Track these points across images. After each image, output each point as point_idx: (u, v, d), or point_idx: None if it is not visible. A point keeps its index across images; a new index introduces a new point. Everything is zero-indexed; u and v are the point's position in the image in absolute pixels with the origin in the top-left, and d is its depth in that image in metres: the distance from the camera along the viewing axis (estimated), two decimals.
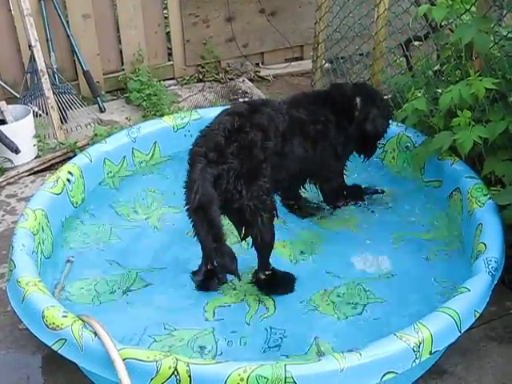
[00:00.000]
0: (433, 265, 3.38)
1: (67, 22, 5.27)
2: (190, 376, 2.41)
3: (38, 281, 2.93)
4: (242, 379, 2.37)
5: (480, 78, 3.28)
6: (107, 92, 5.62)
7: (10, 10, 5.07)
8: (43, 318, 2.71)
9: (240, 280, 3.17)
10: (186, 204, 2.97)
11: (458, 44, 3.40)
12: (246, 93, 5.59)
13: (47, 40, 5.17)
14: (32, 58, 4.90)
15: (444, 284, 3.22)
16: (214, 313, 3.14)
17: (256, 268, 3.27)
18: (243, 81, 5.81)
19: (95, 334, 2.60)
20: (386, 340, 2.55)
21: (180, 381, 2.41)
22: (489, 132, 3.26)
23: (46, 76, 4.85)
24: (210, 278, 3.30)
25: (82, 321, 2.68)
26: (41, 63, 4.83)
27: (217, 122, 3.17)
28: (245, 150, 3.04)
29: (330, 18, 4.96)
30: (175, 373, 2.42)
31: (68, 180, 3.71)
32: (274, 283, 3.26)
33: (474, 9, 3.46)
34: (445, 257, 3.42)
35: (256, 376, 2.38)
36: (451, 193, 3.59)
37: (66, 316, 2.70)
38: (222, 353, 2.91)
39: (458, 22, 3.55)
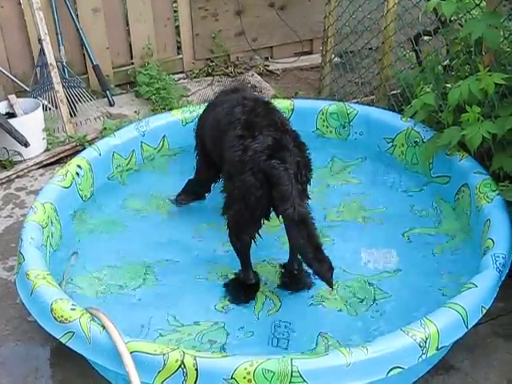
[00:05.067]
0: (441, 260, 3.37)
1: (77, 15, 5.28)
2: (196, 369, 2.43)
3: (46, 274, 2.96)
4: (248, 373, 2.39)
5: (489, 73, 3.26)
6: (116, 85, 5.63)
7: (20, 4, 5.08)
8: (52, 310, 2.73)
9: (332, 289, 3.03)
10: (284, 211, 2.88)
11: (467, 39, 3.38)
12: (255, 87, 5.57)
13: (57, 34, 5.19)
14: (42, 52, 4.90)
15: (452, 279, 3.21)
16: (223, 307, 3.16)
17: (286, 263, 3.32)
18: (252, 75, 5.80)
19: (103, 327, 2.62)
20: (392, 335, 2.56)
21: (187, 374, 2.43)
22: (498, 127, 3.24)
23: (56, 70, 4.86)
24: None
25: (90, 314, 2.70)
26: (50, 57, 4.84)
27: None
28: (308, 172, 3.11)
29: (340, 12, 4.94)
30: (182, 366, 2.44)
31: (77, 173, 3.74)
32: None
33: (483, 3, 3.45)
34: (453, 252, 3.41)
35: (262, 370, 2.39)
36: (459, 188, 3.58)
37: (74, 309, 2.73)
38: (230, 346, 2.92)
39: (467, 17, 3.52)
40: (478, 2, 3.44)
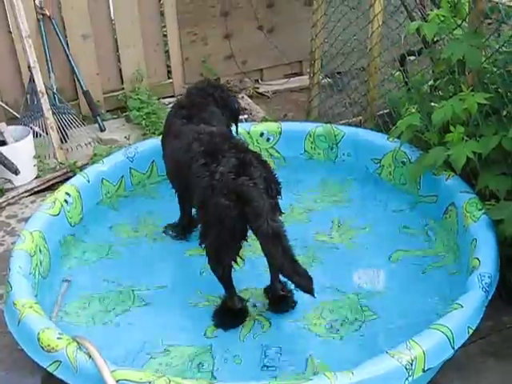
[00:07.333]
0: (429, 280, 3.38)
1: (67, 42, 5.32)
2: None
3: (34, 303, 2.96)
4: None
5: (472, 93, 3.29)
6: (108, 111, 5.64)
7: (10, 32, 5.12)
8: (39, 340, 2.73)
9: (315, 297, 2.98)
10: (258, 227, 2.90)
11: (450, 59, 3.41)
12: (245, 109, 5.58)
13: (47, 60, 5.22)
14: (31, 79, 4.93)
15: (441, 300, 3.21)
16: (212, 332, 3.16)
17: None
18: (242, 97, 5.80)
19: (89, 355, 2.61)
20: (378, 358, 2.56)
21: None
22: (482, 147, 3.26)
23: (45, 97, 4.89)
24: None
25: (77, 342, 2.70)
26: (40, 84, 4.86)
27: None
28: (277, 186, 3.10)
29: (326, 34, 4.97)
30: None
31: (66, 201, 3.75)
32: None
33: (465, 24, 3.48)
34: (441, 272, 3.41)
35: None
36: (447, 208, 3.59)
37: (60, 338, 2.73)
38: (219, 372, 2.91)
39: (449, 38, 3.56)
40: (459, 23, 3.47)
